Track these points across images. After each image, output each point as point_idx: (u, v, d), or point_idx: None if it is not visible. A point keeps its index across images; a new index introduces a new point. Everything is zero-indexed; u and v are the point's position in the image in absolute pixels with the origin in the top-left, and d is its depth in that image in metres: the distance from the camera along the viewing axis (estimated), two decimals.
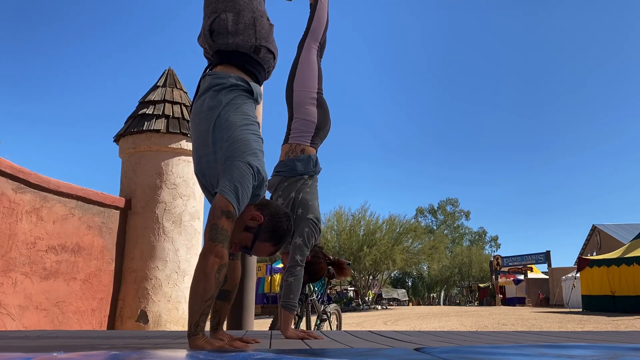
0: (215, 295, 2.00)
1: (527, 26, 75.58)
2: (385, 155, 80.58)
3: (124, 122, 6.17)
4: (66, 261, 4.98)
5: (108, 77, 75.33)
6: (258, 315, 17.84)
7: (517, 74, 78.14)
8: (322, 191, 3.20)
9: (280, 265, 20.41)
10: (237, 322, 5.00)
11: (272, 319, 4.13)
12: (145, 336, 3.06)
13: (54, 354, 1.52)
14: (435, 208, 58.51)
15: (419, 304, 42.62)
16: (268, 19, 2.53)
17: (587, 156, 75.84)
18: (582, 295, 17.10)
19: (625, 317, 12.43)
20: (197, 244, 5.88)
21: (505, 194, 78.76)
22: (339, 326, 4.90)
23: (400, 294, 36.17)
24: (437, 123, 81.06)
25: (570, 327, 10.09)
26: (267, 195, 2.96)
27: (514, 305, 29.28)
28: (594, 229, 30.87)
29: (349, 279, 24.67)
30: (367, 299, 27.25)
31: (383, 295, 31.41)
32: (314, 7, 3.34)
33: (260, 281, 21.87)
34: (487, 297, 35.71)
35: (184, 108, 6.04)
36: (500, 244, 58.83)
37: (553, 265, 29.13)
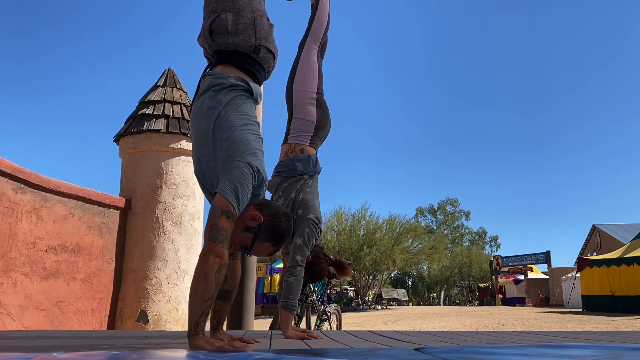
0: (215, 295, 2.00)
1: (527, 26, 75.65)
2: (385, 155, 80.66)
3: (124, 122, 6.17)
4: (66, 261, 4.98)
5: (108, 77, 75.42)
6: (258, 315, 17.84)
7: (517, 74, 78.22)
8: (322, 191, 3.20)
9: (281, 265, 20.40)
10: (237, 322, 5.00)
11: (272, 319, 4.13)
12: (145, 336, 3.06)
13: (54, 354, 1.52)
14: (435, 208, 58.53)
15: (419, 304, 42.62)
16: (268, 19, 2.53)
17: (587, 156, 75.94)
18: (582, 295, 17.10)
19: (625, 317, 12.43)
20: (197, 244, 5.88)
21: (505, 194, 78.85)
22: (339, 326, 4.90)
23: (400, 294, 36.17)
24: (437, 123, 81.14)
25: (570, 327, 10.09)
26: (268, 195, 2.97)
27: (514, 305, 29.28)
28: (594, 229, 30.87)
29: (349, 279, 24.67)
30: (367, 299, 27.26)
31: (383, 295, 31.41)
32: (315, 7, 3.34)
33: (260, 281, 21.87)
34: (487, 297, 35.71)
35: (184, 108, 6.04)
36: (500, 244, 58.91)
37: (553, 265, 29.13)
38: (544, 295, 27.71)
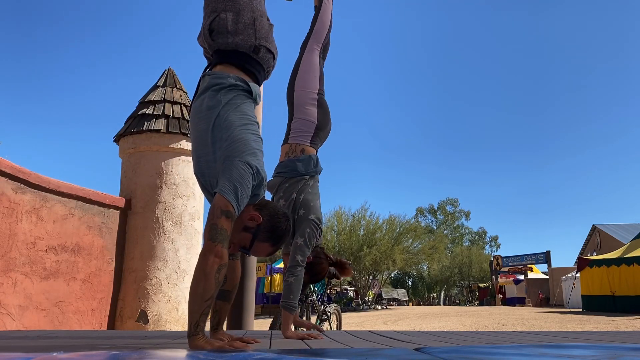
0: (215, 295, 1.99)
1: (527, 26, 75.63)
2: (385, 155, 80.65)
3: (124, 122, 6.17)
4: (66, 261, 4.98)
5: (108, 77, 75.42)
6: (258, 315, 17.83)
7: (517, 74, 78.22)
8: (323, 191, 3.19)
9: (281, 265, 20.41)
10: (237, 322, 5.00)
11: (272, 319, 4.13)
12: (145, 336, 3.06)
13: (54, 354, 1.52)
14: (435, 208, 58.54)
15: (419, 304, 42.62)
16: (268, 19, 2.53)
17: (587, 156, 75.92)
18: (582, 295, 17.10)
19: (625, 317, 12.43)
20: (197, 244, 5.88)
21: (505, 194, 78.84)
22: (339, 326, 4.90)
23: (400, 294, 36.16)
24: (437, 123, 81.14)
25: (570, 327, 10.09)
26: (268, 196, 2.96)
27: (514, 305, 29.28)
28: (594, 229, 30.88)
29: (349, 279, 24.67)
30: (367, 299, 27.25)
31: (383, 295, 31.41)
32: (318, 8, 3.35)
33: (260, 281, 21.86)
34: (487, 297, 35.71)
35: (184, 108, 6.04)
36: (500, 244, 58.92)
37: (553, 265, 29.13)
38: (544, 295, 27.71)
